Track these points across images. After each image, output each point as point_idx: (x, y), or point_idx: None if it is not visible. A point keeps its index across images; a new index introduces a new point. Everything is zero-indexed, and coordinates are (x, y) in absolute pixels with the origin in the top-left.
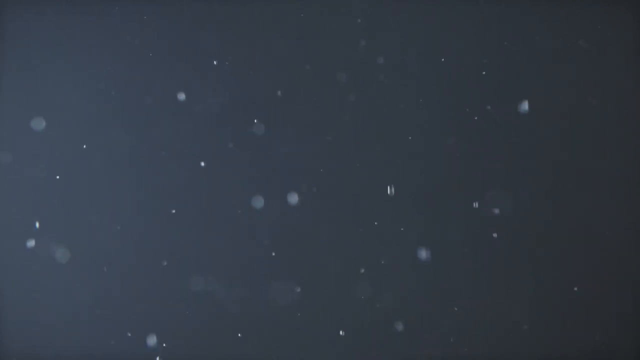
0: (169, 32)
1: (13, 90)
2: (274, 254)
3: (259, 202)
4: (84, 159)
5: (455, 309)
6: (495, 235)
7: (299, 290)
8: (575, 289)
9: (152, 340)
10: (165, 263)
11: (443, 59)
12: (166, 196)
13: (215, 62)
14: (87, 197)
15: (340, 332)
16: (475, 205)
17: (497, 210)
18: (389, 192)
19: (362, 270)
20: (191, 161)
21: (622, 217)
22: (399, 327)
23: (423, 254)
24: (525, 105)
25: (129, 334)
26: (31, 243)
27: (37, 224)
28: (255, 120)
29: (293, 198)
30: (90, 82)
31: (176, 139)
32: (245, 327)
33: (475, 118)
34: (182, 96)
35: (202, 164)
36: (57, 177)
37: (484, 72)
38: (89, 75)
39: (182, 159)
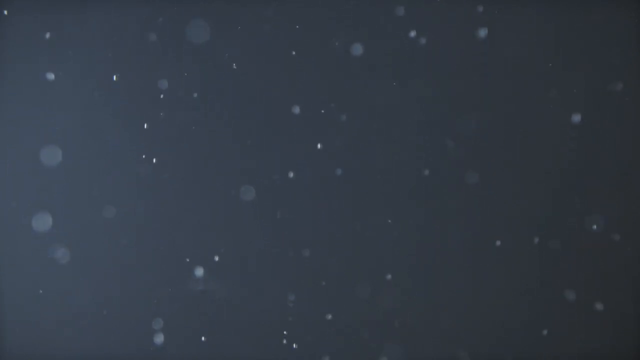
0: (170, 31)
1: (13, 89)
2: (273, 254)
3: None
4: (85, 158)
5: (456, 309)
6: (494, 235)
7: (298, 290)
8: (575, 289)
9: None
10: (165, 263)
11: (443, 59)
12: (166, 195)
13: (216, 61)
14: (87, 196)
15: (340, 332)
16: (476, 205)
17: (497, 211)
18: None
19: (363, 270)
20: (192, 160)
21: (623, 217)
22: (399, 327)
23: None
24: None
25: (129, 335)
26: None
27: (38, 224)
28: (257, 119)
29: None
30: (91, 81)
31: (177, 138)
32: (246, 327)
33: (476, 118)
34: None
35: (203, 163)
36: (58, 176)
37: (483, 72)
38: (89, 74)
39: (183, 158)
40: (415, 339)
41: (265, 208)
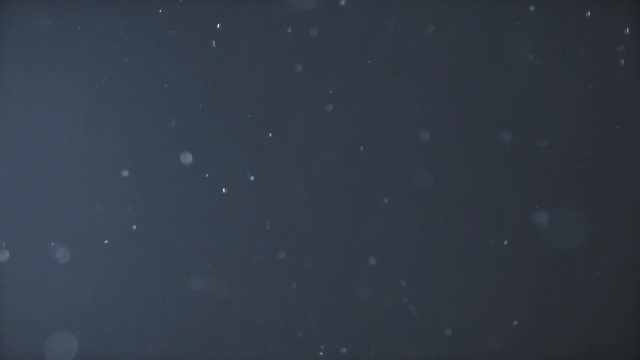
0: (170, 31)
1: (13, 90)
2: (273, 253)
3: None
4: (85, 158)
5: (456, 308)
6: (494, 235)
7: (298, 290)
8: (576, 289)
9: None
10: (164, 262)
11: (442, 60)
12: (166, 195)
13: (215, 61)
14: (87, 196)
15: (341, 332)
16: (476, 205)
17: (497, 211)
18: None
19: (363, 270)
20: (193, 160)
21: (623, 217)
22: (400, 327)
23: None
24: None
25: (129, 335)
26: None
27: (38, 224)
28: (257, 120)
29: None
30: (91, 82)
31: (176, 139)
32: (246, 327)
33: (476, 119)
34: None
35: (204, 163)
36: (58, 176)
37: (482, 73)
38: (89, 74)
39: (182, 158)
40: (415, 339)
41: (265, 208)
